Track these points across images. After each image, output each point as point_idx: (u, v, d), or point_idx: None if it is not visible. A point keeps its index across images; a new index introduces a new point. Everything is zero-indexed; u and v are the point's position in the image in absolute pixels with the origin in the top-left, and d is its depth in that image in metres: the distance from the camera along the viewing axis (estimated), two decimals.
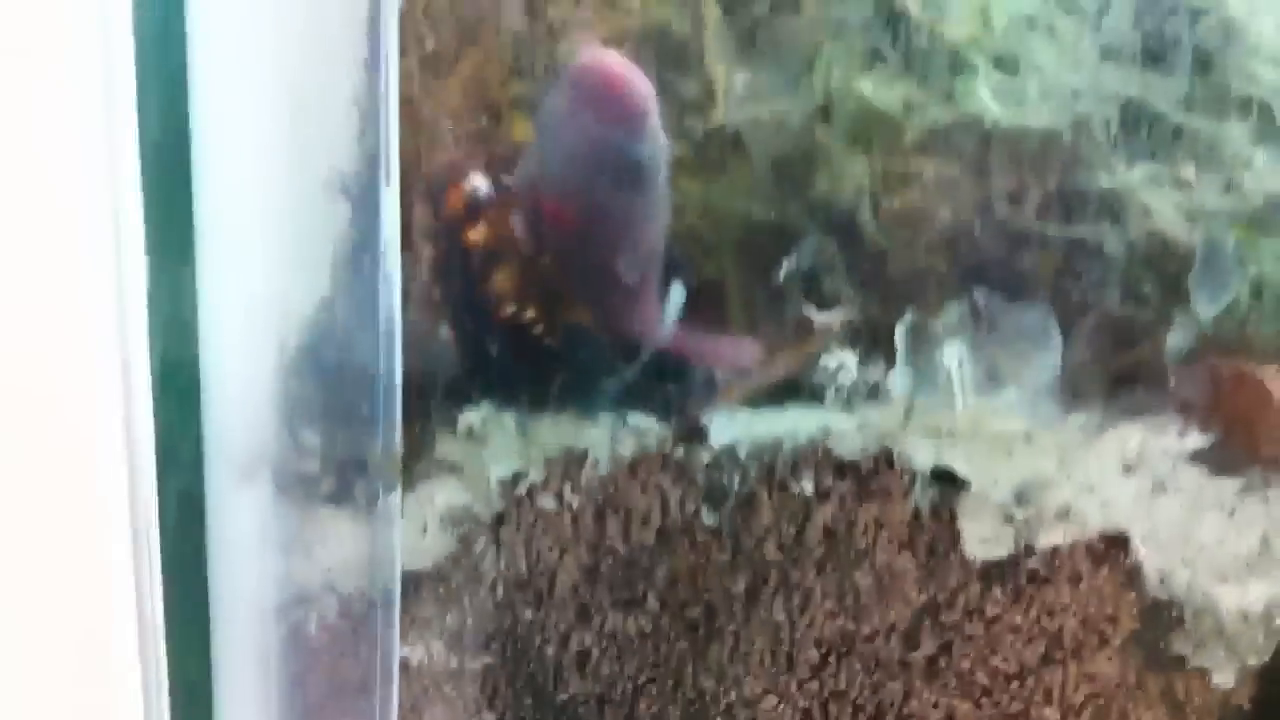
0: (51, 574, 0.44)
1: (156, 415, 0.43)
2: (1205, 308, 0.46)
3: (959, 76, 0.45)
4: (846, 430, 0.47)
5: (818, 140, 0.45)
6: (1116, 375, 0.47)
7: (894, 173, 0.45)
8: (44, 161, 0.40)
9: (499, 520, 0.48)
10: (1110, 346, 0.47)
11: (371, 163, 0.43)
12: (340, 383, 0.45)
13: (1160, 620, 0.51)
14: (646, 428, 0.47)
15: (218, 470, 0.47)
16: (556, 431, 0.47)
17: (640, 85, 0.44)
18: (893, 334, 0.46)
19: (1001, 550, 0.49)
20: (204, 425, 0.47)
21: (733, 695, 0.51)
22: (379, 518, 0.46)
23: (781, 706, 0.51)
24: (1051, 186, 0.46)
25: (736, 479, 0.47)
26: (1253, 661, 0.52)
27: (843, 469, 0.48)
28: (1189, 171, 0.47)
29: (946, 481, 0.48)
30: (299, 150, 0.44)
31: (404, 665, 0.49)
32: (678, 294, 0.46)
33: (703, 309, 0.46)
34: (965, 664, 0.51)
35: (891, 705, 0.51)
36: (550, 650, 0.50)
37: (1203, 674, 0.52)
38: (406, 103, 0.44)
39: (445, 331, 0.46)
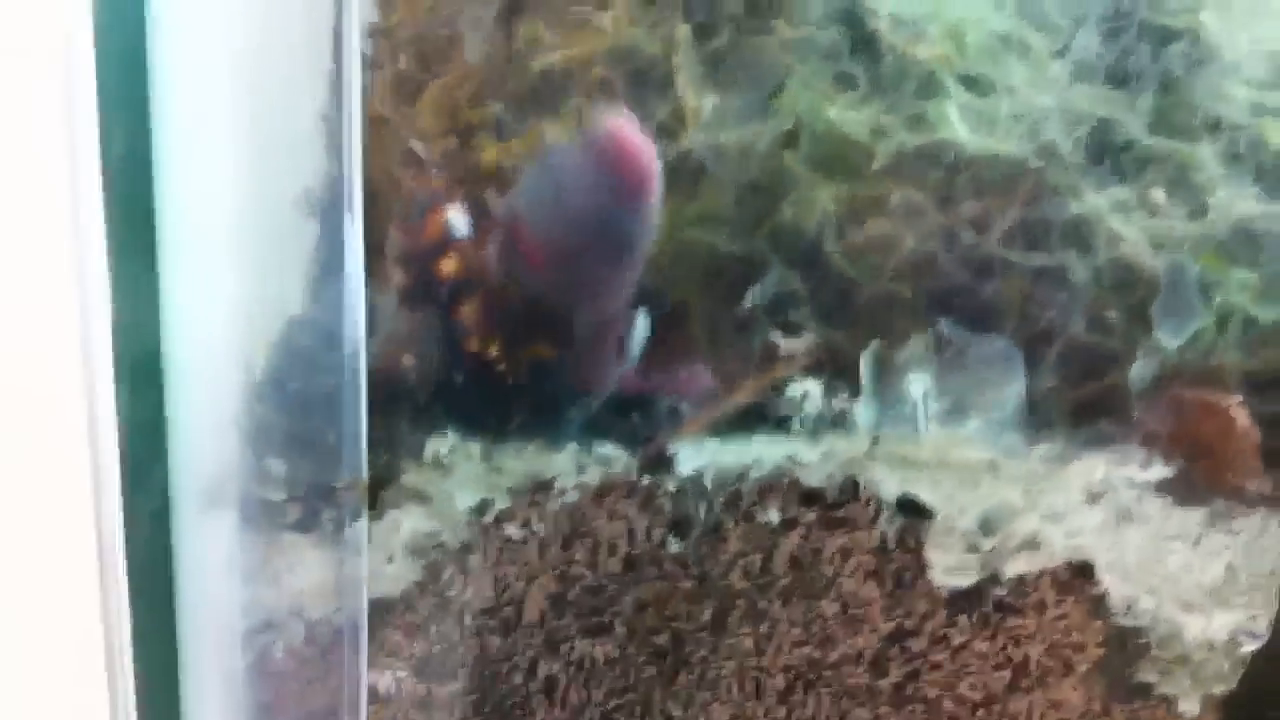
0: (17, 600, 0.43)
1: (122, 441, 0.43)
2: (1170, 338, 0.46)
3: (930, 100, 0.45)
4: (812, 460, 0.47)
5: (785, 165, 0.45)
6: (1081, 405, 0.47)
7: (861, 198, 0.45)
8: (2, 182, 0.39)
9: (466, 548, 0.48)
10: (1075, 376, 0.47)
11: (338, 183, 0.42)
12: (306, 409, 0.45)
13: (1126, 648, 0.51)
14: (613, 456, 0.47)
15: (184, 497, 0.47)
16: (523, 460, 0.47)
17: (651, 165, 0.44)
18: (858, 363, 0.46)
19: (968, 579, 0.49)
20: (170, 452, 0.46)
21: None
22: (346, 545, 0.46)
23: None
24: (1019, 212, 0.46)
25: (703, 508, 0.47)
26: (1218, 690, 0.52)
27: (809, 498, 0.48)
28: (1159, 195, 0.47)
29: (913, 511, 0.48)
30: (264, 169, 0.43)
31: (372, 692, 0.49)
32: (641, 327, 0.46)
33: (667, 337, 0.46)
34: (932, 692, 0.51)
35: None
36: (518, 678, 0.50)
37: (1168, 702, 0.52)
38: (380, 123, 0.44)
39: (411, 359, 0.46)
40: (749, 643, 0.49)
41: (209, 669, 0.48)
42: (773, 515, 0.48)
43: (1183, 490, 0.49)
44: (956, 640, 0.50)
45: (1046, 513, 0.48)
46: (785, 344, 0.46)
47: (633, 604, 0.48)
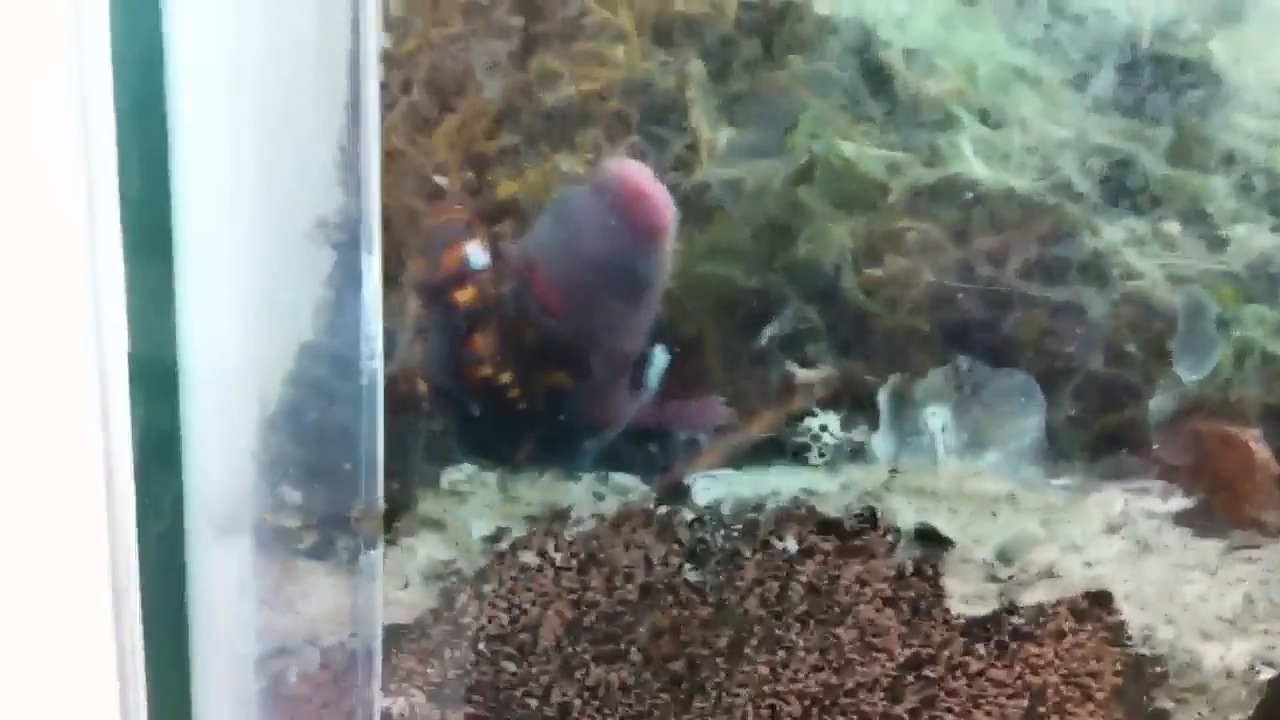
0: (31, 624, 0.43)
1: (137, 467, 0.43)
2: (1188, 374, 0.46)
3: (944, 133, 0.45)
4: (830, 490, 0.47)
5: (800, 200, 0.45)
6: (1100, 437, 0.47)
7: (877, 232, 0.45)
8: (22, 208, 0.39)
9: (481, 575, 0.48)
10: (1094, 409, 0.47)
11: (354, 213, 0.42)
12: (322, 438, 0.45)
13: (1144, 676, 0.51)
14: (629, 485, 0.47)
15: (198, 524, 0.47)
16: (539, 489, 0.47)
17: (665, 209, 0.43)
18: (875, 394, 0.46)
19: (985, 608, 0.49)
20: (185, 478, 0.46)
21: None
22: (361, 572, 0.46)
23: None
24: (1035, 247, 0.46)
25: (720, 537, 0.47)
26: (1235, 718, 0.52)
27: (826, 527, 0.48)
28: (1173, 227, 0.46)
29: (930, 540, 0.48)
30: (280, 199, 0.43)
31: (385, 717, 0.49)
32: (660, 360, 0.46)
33: (684, 370, 0.46)
34: (949, 719, 0.51)
35: None
36: (532, 703, 0.50)
37: None
38: (397, 155, 0.44)
39: (427, 388, 0.46)
40: (765, 669, 0.49)
41: (222, 694, 0.48)
42: (790, 544, 0.48)
43: (1202, 521, 0.49)
44: (974, 668, 0.50)
45: (1065, 543, 0.48)
46: (802, 376, 0.46)
47: (648, 630, 0.48)
